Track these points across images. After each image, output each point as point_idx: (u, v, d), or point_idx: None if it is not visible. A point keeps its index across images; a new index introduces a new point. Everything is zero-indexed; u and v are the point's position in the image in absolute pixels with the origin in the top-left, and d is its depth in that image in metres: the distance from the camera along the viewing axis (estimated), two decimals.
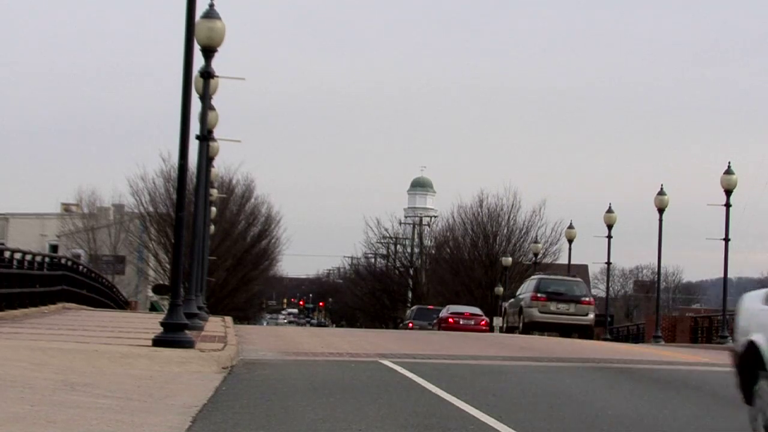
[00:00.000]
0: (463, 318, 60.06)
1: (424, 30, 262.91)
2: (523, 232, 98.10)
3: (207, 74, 26.63)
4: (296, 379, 17.18)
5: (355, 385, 16.64)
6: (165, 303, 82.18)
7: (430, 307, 77.80)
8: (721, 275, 45.34)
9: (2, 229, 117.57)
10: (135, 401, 13.13)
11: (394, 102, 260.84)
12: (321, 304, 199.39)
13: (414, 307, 79.16)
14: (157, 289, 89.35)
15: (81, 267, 50.41)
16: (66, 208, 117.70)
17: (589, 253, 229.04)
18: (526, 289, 49.58)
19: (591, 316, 47.86)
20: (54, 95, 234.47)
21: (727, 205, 43.91)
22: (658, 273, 57.47)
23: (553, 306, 46.92)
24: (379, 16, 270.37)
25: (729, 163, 44.20)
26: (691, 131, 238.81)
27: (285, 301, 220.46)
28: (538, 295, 47.30)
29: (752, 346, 11.03)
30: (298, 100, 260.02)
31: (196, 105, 25.17)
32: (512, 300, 52.67)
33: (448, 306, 68.26)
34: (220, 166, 77.98)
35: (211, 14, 24.94)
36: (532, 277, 52.67)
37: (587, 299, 48.33)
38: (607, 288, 69.58)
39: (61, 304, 38.73)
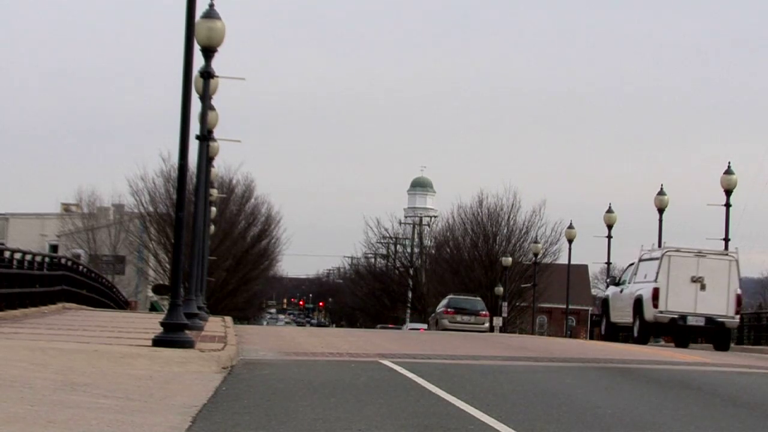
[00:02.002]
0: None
1: (425, 30, 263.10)
2: (523, 232, 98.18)
3: (207, 74, 26.63)
4: (296, 379, 17.17)
5: (355, 385, 16.63)
6: (165, 303, 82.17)
7: (390, 325, 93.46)
8: None
9: (2, 229, 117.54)
10: (135, 401, 13.12)
11: (395, 102, 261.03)
12: (321, 304, 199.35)
13: (378, 326, 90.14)
14: (157, 289, 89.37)
15: (81, 267, 50.41)
16: (66, 208, 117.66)
17: (589, 253, 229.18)
18: (441, 305, 66.52)
19: (486, 325, 63.40)
20: (54, 95, 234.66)
21: (727, 205, 43.91)
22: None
23: (459, 317, 62.60)
24: (379, 17, 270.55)
25: (729, 163, 44.25)
26: (691, 131, 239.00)
27: (285, 302, 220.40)
28: (448, 309, 63.88)
29: None
30: (298, 99, 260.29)
31: (196, 105, 25.17)
32: (433, 313, 68.36)
33: (407, 323, 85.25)
34: (220, 166, 78.22)
35: (211, 14, 24.93)
36: (447, 297, 68.79)
37: (484, 312, 64.51)
38: (607, 288, 69.39)
39: (61, 304, 38.73)
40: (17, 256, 33.02)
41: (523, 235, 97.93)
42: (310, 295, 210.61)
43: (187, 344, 18.79)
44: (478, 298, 67.81)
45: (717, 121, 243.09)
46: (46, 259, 38.36)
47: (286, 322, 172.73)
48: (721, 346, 37.02)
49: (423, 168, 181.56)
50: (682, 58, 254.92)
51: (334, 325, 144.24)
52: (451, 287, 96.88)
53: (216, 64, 26.43)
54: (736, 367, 24.43)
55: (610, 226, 58.80)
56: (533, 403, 14.95)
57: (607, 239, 58.57)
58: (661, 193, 49.78)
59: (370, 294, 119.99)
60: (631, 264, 40.83)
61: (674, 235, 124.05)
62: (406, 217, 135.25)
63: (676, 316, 36.69)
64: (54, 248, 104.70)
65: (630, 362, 24.04)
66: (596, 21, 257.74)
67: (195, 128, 26.17)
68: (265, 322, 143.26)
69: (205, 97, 28.11)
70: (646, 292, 37.18)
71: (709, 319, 36.70)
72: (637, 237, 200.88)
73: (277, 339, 28.68)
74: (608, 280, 44.55)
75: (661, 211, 49.36)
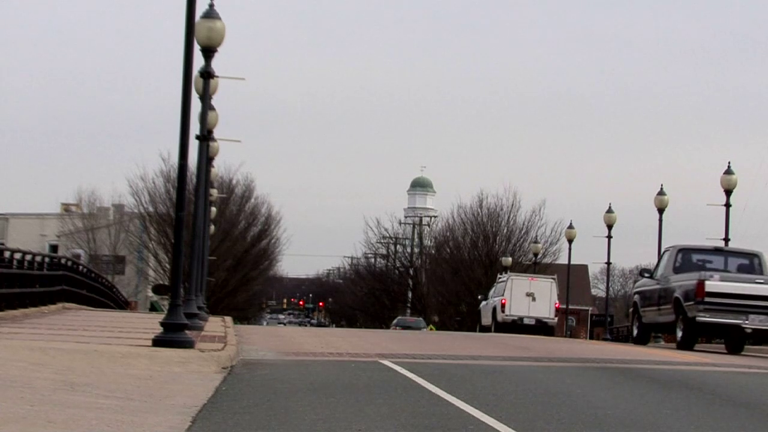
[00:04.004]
0: None
1: (425, 30, 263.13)
2: (523, 232, 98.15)
3: (207, 74, 26.61)
4: (296, 379, 17.17)
5: (355, 385, 16.63)
6: (165, 303, 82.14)
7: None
8: None
9: (2, 229, 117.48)
10: (135, 401, 13.12)
11: (394, 102, 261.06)
12: (321, 304, 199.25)
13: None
14: (157, 289, 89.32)
15: (81, 267, 50.39)
16: (66, 208, 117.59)
17: (589, 253, 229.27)
18: (392, 324, 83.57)
19: None
20: (54, 95, 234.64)
21: (727, 205, 43.86)
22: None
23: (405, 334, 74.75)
24: (379, 17, 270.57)
25: (729, 163, 44.18)
26: (691, 131, 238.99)
27: (285, 302, 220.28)
28: (396, 327, 79.02)
29: None
30: (298, 100, 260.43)
31: (196, 105, 25.16)
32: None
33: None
34: (220, 166, 78.18)
35: (211, 14, 24.92)
36: (396, 318, 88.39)
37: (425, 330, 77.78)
38: (607, 288, 69.58)
39: (61, 304, 38.72)
40: (17, 256, 33.00)
41: (523, 235, 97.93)
42: (310, 295, 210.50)
43: (187, 344, 18.79)
44: (420, 319, 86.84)
45: (717, 120, 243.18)
46: (46, 259, 38.34)
47: (287, 322, 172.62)
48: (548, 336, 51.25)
49: (423, 168, 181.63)
50: (683, 58, 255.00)
51: (334, 325, 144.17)
52: (451, 287, 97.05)
53: (216, 64, 26.44)
54: (737, 367, 24.43)
55: (610, 226, 58.73)
56: (533, 403, 14.95)
57: (607, 239, 58.52)
58: (661, 193, 49.77)
59: (370, 294, 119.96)
60: (494, 285, 61.14)
61: (675, 235, 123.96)
62: (406, 217, 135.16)
63: (516, 318, 55.20)
64: (54, 248, 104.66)
65: (630, 362, 24.03)
66: (596, 21, 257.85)
67: (195, 128, 26.15)
68: (265, 322, 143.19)
69: (205, 97, 28.10)
70: (498, 303, 55.97)
71: (538, 320, 55.22)
72: (637, 237, 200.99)
73: (277, 339, 28.68)
74: (480, 297, 65.24)
75: (661, 211, 49.36)
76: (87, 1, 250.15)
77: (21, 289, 32.28)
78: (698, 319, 32.08)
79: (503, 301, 55.24)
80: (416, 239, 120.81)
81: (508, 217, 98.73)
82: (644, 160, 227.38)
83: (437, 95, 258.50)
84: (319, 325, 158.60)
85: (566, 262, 72.33)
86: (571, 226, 71.24)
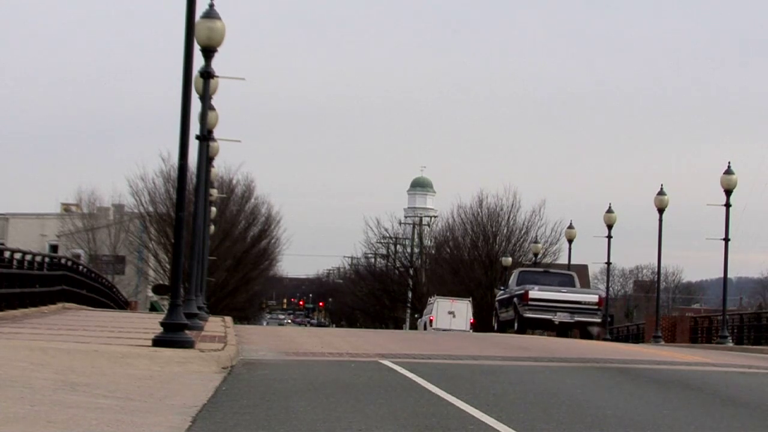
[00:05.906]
0: None
1: (425, 30, 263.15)
2: (522, 232, 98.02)
3: (207, 74, 26.60)
4: (296, 379, 17.18)
5: (355, 385, 16.63)
6: (165, 303, 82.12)
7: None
8: (721, 275, 45.33)
9: (2, 229, 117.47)
10: (135, 401, 13.13)
11: (394, 102, 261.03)
12: (321, 304, 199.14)
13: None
14: (157, 289, 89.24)
15: (81, 267, 50.38)
16: (66, 208, 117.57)
17: (589, 253, 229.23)
18: None
19: None
20: (54, 95, 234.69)
21: (727, 205, 43.84)
22: (658, 273, 57.68)
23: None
24: (379, 17, 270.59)
25: (729, 163, 44.16)
26: (691, 131, 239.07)
27: (285, 302, 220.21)
28: None
29: None
30: (298, 100, 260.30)
31: (196, 105, 25.13)
32: None
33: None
34: (220, 166, 78.18)
35: (211, 14, 24.91)
36: None
37: None
38: (607, 288, 69.46)
39: (61, 304, 38.72)
40: (17, 256, 33.00)
41: (523, 235, 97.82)
42: (310, 295, 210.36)
43: (187, 344, 18.79)
44: None
45: (717, 120, 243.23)
46: (46, 259, 38.34)
47: (287, 322, 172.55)
48: None
49: (423, 168, 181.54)
50: (683, 58, 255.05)
51: (334, 325, 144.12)
52: (451, 287, 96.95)
53: (216, 64, 26.42)
54: (737, 367, 24.43)
55: (610, 226, 58.67)
56: (533, 403, 14.95)
57: (607, 239, 58.49)
58: (661, 193, 49.72)
59: (370, 294, 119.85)
60: (427, 305, 77.33)
61: (675, 235, 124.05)
62: (406, 217, 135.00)
63: (441, 331, 65.49)
64: (54, 248, 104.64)
65: (630, 362, 24.03)
66: (596, 22, 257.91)
67: (195, 128, 26.12)
68: (265, 322, 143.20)
69: (205, 97, 28.08)
70: (428, 319, 72.90)
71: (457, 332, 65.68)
72: (637, 237, 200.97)
73: (277, 339, 28.67)
74: (417, 315, 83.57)
75: (661, 211, 49.32)
76: (87, 1, 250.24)
77: (21, 289, 32.28)
78: (524, 315, 46.81)
79: (431, 317, 72.95)
80: (416, 239, 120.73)
81: (508, 217, 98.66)
82: (644, 160, 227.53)
83: (437, 95, 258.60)
84: (319, 325, 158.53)
85: (566, 262, 72.28)
86: (571, 226, 71.17)
